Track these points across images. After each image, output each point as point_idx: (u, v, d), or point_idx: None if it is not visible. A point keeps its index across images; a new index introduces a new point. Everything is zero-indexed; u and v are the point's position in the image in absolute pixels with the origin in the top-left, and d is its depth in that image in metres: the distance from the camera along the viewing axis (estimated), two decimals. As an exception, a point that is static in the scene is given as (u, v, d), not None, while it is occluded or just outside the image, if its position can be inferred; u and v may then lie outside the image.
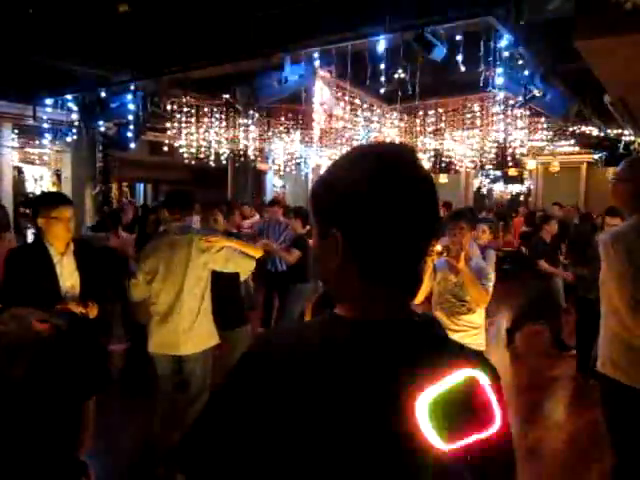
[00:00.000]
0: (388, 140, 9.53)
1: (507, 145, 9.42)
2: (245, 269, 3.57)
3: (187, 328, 3.22)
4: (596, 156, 10.43)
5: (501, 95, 7.12)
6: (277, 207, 6.93)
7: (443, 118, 9.05)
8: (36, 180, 11.53)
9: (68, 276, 2.92)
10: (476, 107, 8.49)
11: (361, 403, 0.74)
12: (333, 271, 0.82)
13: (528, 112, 7.95)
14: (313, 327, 0.89)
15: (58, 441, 1.15)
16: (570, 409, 5.02)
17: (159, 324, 3.26)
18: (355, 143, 9.60)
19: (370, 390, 0.74)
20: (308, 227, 5.48)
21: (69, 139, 8.18)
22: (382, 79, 5.33)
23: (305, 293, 5.52)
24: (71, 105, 7.71)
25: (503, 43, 5.14)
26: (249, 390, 0.81)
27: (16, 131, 8.48)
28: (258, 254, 3.62)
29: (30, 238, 8.30)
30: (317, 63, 5.94)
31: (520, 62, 5.61)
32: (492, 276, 3.24)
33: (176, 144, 8.66)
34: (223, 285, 3.56)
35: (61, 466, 1.13)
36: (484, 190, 17.28)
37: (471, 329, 3.29)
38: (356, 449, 0.72)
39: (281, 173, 12.30)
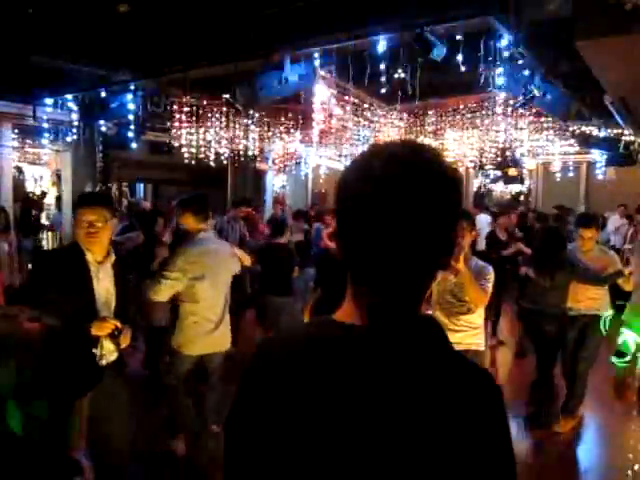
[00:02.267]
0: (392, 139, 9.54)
1: (507, 145, 9.42)
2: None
3: (225, 329, 3.57)
4: (596, 156, 10.43)
5: (501, 95, 7.12)
6: (243, 207, 7.11)
7: (443, 118, 9.04)
8: (36, 180, 11.54)
9: (105, 291, 2.62)
10: (476, 107, 8.49)
11: (342, 406, 0.73)
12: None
13: (528, 112, 7.95)
14: (307, 330, 0.89)
15: (49, 440, 1.15)
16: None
17: (199, 325, 3.45)
18: (355, 143, 9.61)
19: (351, 394, 0.73)
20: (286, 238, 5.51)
21: (69, 139, 8.18)
22: (382, 79, 5.33)
23: (280, 307, 5.22)
24: (71, 105, 7.71)
25: (503, 43, 5.14)
26: (251, 393, 0.82)
27: (16, 131, 8.48)
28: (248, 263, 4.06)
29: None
30: (317, 63, 5.94)
31: (520, 62, 5.61)
32: (491, 276, 3.23)
33: (176, 144, 8.65)
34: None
35: (52, 465, 1.14)
36: (484, 190, 17.28)
37: (471, 329, 3.30)
38: (345, 451, 0.72)
39: (281, 173, 12.31)
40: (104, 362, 2.59)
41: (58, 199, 10.88)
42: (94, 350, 2.48)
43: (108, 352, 2.60)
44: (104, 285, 2.62)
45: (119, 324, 2.51)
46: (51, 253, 3.10)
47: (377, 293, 0.76)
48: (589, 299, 4.27)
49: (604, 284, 4.26)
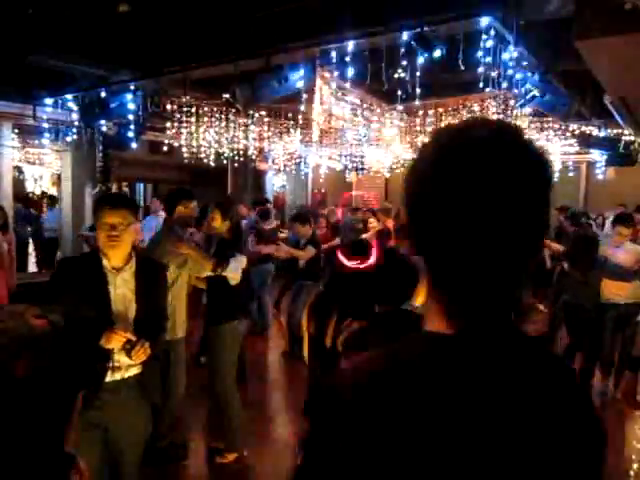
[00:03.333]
0: (391, 137, 9.54)
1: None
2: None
3: None
4: (596, 156, 10.43)
5: (501, 95, 7.11)
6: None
7: (443, 118, 9.03)
8: (36, 180, 11.53)
9: (122, 300, 2.47)
10: (476, 107, 8.48)
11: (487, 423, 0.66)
12: None
13: (528, 112, 7.95)
14: (405, 347, 0.75)
15: (49, 434, 1.15)
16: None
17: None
18: (355, 143, 9.61)
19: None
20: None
21: (69, 139, 8.18)
22: (382, 79, 5.33)
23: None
24: (71, 105, 7.71)
25: (503, 43, 5.14)
26: (350, 434, 0.68)
27: (16, 131, 8.48)
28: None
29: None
30: (317, 63, 5.94)
31: (520, 62, 5.61)
32: None
33: (176, 144, 8.65)
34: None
35: (51, 459, 1.14)
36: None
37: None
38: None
39: (281, 173, 12.30)
40: (118, 376, 2.46)
41: (51, 198, 10.88)
42: (107, 364, 2.38)
43: (123, 366, 2.46)
44: (121, 293, 2.46)
45: (132, 336, 2.34)
46: (70, 260, 2.95)
47: (471, 297, 0.68)
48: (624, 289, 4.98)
49: (631, 281, 4.95)
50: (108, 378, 2.42)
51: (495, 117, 8.03)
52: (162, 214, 8.25)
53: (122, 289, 2.47)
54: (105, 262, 2.46)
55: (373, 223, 7.94)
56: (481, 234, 0.65)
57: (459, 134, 0.70)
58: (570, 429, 0.69)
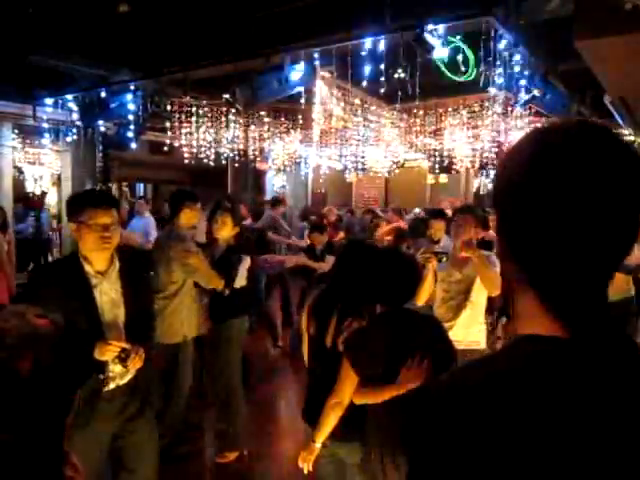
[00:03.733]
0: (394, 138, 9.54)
1: (507, 145, 9.42)
2: None
3: None
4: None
5: (501, 95, 7.12)
6: (281, 207, 7.26)
7: (443, 118, 9.04)
8: (36, 180, 11.52)
9: (110, 305, 2.28)
10: (476, 107, 8.49)
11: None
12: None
13: (528, 112, 7.95)
14: (508, 354, 0.71)
15: (50, 431, 1.16)
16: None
17: None
18: (355, 143, 9.61)
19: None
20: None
21: (69, 139, 8.18)
22: (382, 79, 5.33)
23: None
24: (71, 105, 7.71)
25: (503, 43, 5.14)
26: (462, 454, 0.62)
27: (16, 131, 8.48)
28: None
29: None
30: (317, 63, 5.94)
31: (520, 62, 5.61)
32: (498, 264, 3.25)
33: (176, 144, 8.66)
34: None
35: (44, 456, 1.15)
36: (484, 190, 17.27)
37: (475, 325, 3.30)
38: None
39: (281, 173, 12.30)
40: (112, 385, 2.33)
41: (42, 196, 10.88)
42: (100, 376, 2.27)
43: (118, 375, 2.34)
44: (109, 298, 2.28)
45: (126, 345, 2.20)
46: (46, 267, 2.68)
47: (577, 298, 0.67)
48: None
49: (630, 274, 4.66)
50: (104, 388, 2.31)
51: (495, 117, 8.04)
52: (148, 215, 8.27)
53: (108, 294, 2.29)
54: (87, 267, 2.24)
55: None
56: (582, 232, 0.64)
57: (557, 133, 0.70)
58: None
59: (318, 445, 2.19)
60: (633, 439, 0.62)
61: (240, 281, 3.75)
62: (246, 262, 3.78)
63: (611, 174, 0.64)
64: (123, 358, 2.21)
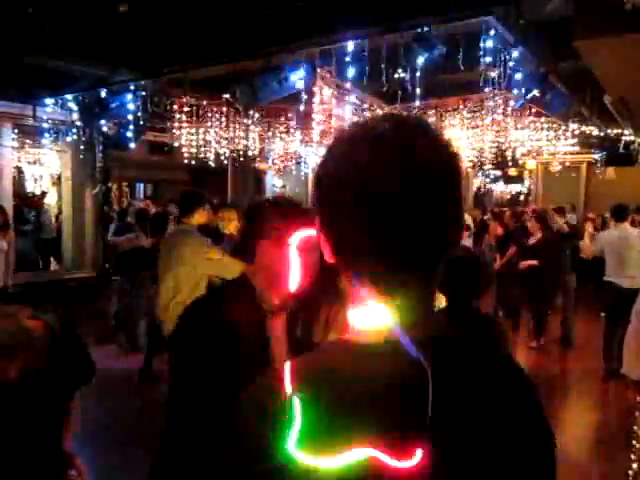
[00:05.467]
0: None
1: (507, 145, 9.42)
2: None
3: None
4: (596, 156, 10.43)
5: (501, 95, 7.11)
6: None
7: (443, 118, 9.03)
8: (36, 180, 11.53)
9: (278, 351, 1.38)
10: (476, 107, 8.49)
11: None
12: None
13: (528, 112, 7.95)
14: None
15: (45, 434, 1.15)
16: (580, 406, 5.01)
17: None
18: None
19: None
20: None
21: (69, 139, 8.18)
22: (382, 79, 5.33)
23: None
24: (71, 105, 7.70)
25: (502, 43, 5.14)
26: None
27: (16, 131, 8.48)
28: None
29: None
30: (317, 63, 5.93)
31: (520, 62, 5.60)
32: None
33: (176, 144, 8.66)
34: None
35: (47, 458, 1.14)
36: (484, 190, 17.27)
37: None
38: None
39: (281, 173, 12.30)
40: None
41: (43, 196, 10.89)
42: None
43: None
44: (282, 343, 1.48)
45: None
46: (207, 304, 1.58)
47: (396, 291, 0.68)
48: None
49: None
50: None
51: (495, 117, 8.03)
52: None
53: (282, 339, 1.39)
54: (265, 297, 1.44)
55: None
56: (383, 226, 0.65)
57: (361, 130, 0.71)
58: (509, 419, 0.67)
59: None
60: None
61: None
62: None
63: (406, 170, 0.64)
64: None
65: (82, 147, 8.26)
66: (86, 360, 2.14)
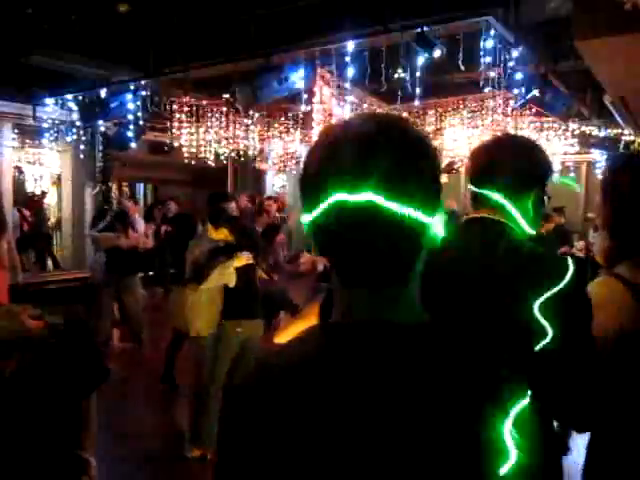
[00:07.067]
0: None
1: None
2: None
3: None
4: (596, 156, 10.43)
5: (501, 95, 7.11)
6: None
7: (443, 118, 9.03)
8: (36, 180, 11.52)
9: None
10: (476, 107, 8.49)
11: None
12: None
13: (528, 112, 7.95)
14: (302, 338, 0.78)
15: (56, 438, 1.15)
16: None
17: None
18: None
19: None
20: None
21: (69, 139, 8.17)
22: (382, 79, 5.33)
23: None
24: (71, 105, 7.70)
25: (502, 43, 5.14)
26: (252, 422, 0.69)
27: (16, 131, 8.48)
28: None
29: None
30: (317, 63, 5.93)
31: (520, 62, 5.61)
32: None
33: (176, 144, 8.65)
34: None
35: (60, 464, 1.13)
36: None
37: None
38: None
39: (281, 173, 12.30)
40: None
41: (43, 196, 10.88)
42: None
43: None
44: None
45: None
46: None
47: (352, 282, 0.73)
48: None
49: None
50: None
51: (495, 117, 8.04)
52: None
53: None
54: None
55: None
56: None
57: (340, 129, 0.75)
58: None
59: None
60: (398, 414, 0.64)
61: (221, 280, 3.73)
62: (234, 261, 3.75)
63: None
64: None
65: (82, 147, 8.26)
66: (97, 361, 2.09)
